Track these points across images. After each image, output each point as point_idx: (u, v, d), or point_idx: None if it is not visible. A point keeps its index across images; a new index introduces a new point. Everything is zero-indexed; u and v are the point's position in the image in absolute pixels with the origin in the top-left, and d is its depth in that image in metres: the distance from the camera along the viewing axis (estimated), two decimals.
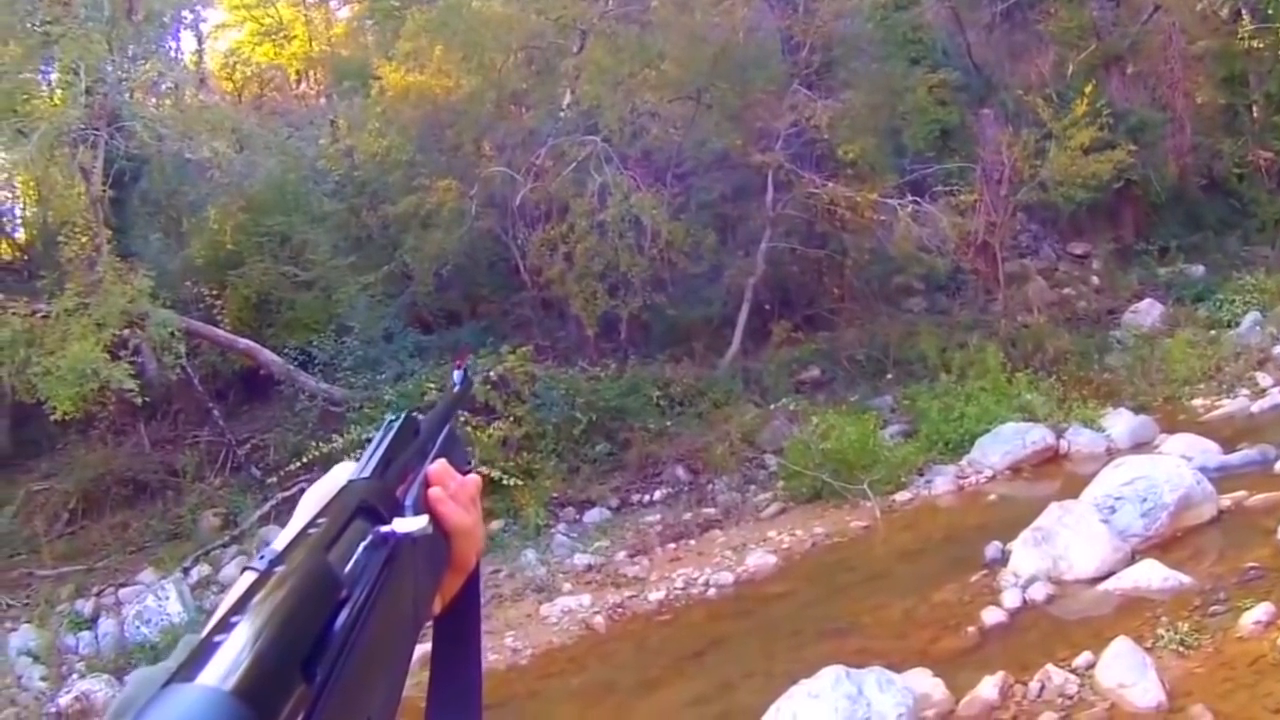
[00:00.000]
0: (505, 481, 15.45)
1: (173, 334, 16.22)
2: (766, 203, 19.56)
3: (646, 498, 16.22)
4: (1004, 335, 19.02)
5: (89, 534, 16.64)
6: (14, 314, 15.15)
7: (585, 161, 18.38)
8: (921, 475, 15.51)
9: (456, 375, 1.65)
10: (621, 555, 14.40)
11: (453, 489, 1.19)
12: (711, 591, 12.97)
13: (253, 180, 19.78)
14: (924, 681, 8.37)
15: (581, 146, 18.56)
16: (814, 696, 7.89)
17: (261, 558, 0.88)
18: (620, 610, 12.82)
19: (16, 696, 12.35)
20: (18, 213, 23.75)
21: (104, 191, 16.83)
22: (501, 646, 12.21)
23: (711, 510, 15.53)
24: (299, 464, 15.65)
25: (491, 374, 16.53)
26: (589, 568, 14.14)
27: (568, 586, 13.61)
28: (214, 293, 18.59)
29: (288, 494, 15.88)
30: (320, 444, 15.57)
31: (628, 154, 18.91)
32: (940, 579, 11.29)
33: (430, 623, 1.22)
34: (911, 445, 16.20)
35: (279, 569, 0.82)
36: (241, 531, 15.67)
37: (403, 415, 1.23)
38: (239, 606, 0.76)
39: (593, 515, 15.85)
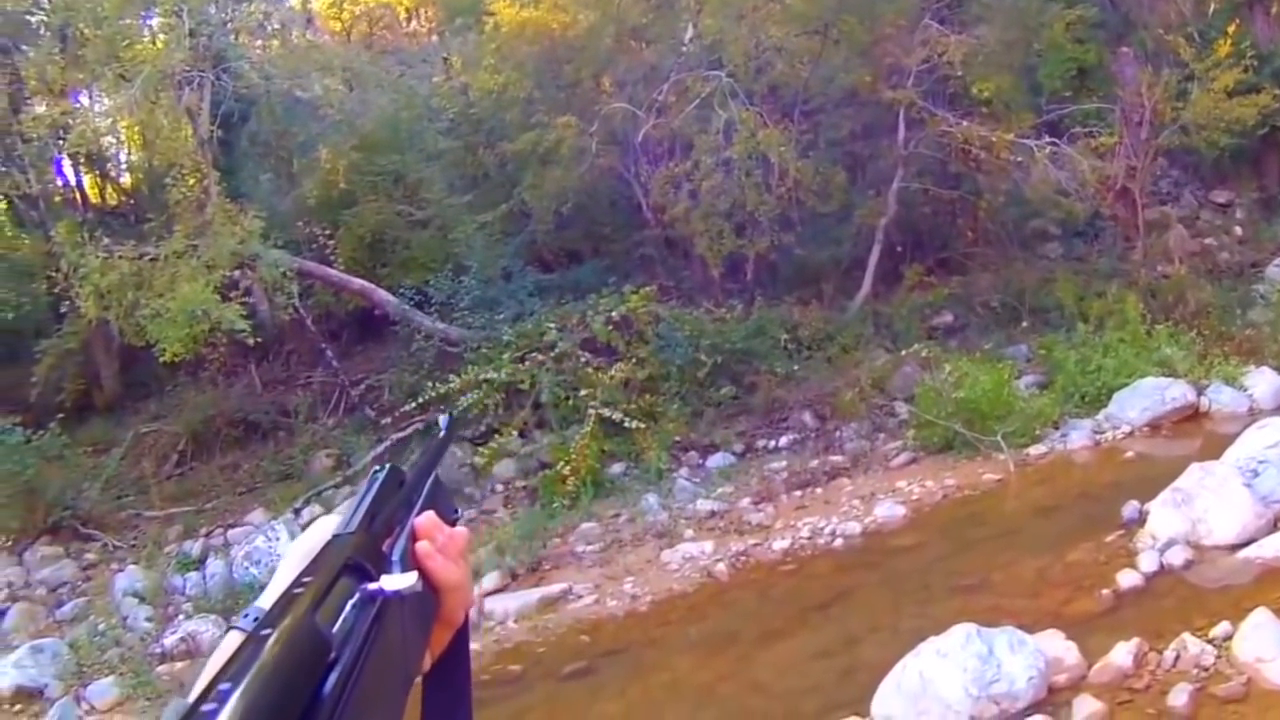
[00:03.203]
0: (627, 424, 15.40)
1: (285, 275, 16.43)
2: (898, 141, 19.13)
3: (772, 443, 16.04)
4: (1143, 285, 18.54)
5: (198, 475, 17.01)
6: (121, 257, 15.29)
7: (709, 97, 18.10)
8: (1057, 429, 15.09)
9: (442, 420, 1.65)
10: (745, 502, 14.22)
11: (441, 542, 1.16)
12: (838, 542, 12.76)
13: (365, 119, 19.67)
14: (1056, 644, 8.17)
15: (705, 82, 18.28)
16: (943, 655, 7.80)
17: (247, 616, 0.96)
18: (743, 558, 12.66)
19: (122, 637, 12.53)
20: (123, 158, 24.06)
21: (212, 133, 17.12)
22: (620, 592, 12.20)
23: (839, 458, 15.28)
24: (414, 405, 15.88)
25: (614, 314, 16.54)
26: (712, 514, 13.96)
27: (689, 533, 13.48)
28: (327, 233, 18.73)
29: (402, 435, 16.01)
30: (437, 384, 15.70)
31: (753, 90, 18.55)
32: (1075, 538, 11.00)
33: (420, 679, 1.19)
34: (1047, 397, 15.77)
35: (266, 631, 0.81)
36: (355, 472, 15.77)
37: (387, 467, 1.23)
38: (228, 673, 0.75)
39: (716, 460, 15.69)
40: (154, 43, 17.31)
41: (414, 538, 1.14)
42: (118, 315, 15.46)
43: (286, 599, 0.87)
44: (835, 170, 19.17)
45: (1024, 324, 18.62)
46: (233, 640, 0.95)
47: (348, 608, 0.90)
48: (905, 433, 15.57)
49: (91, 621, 12.82)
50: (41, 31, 17.75)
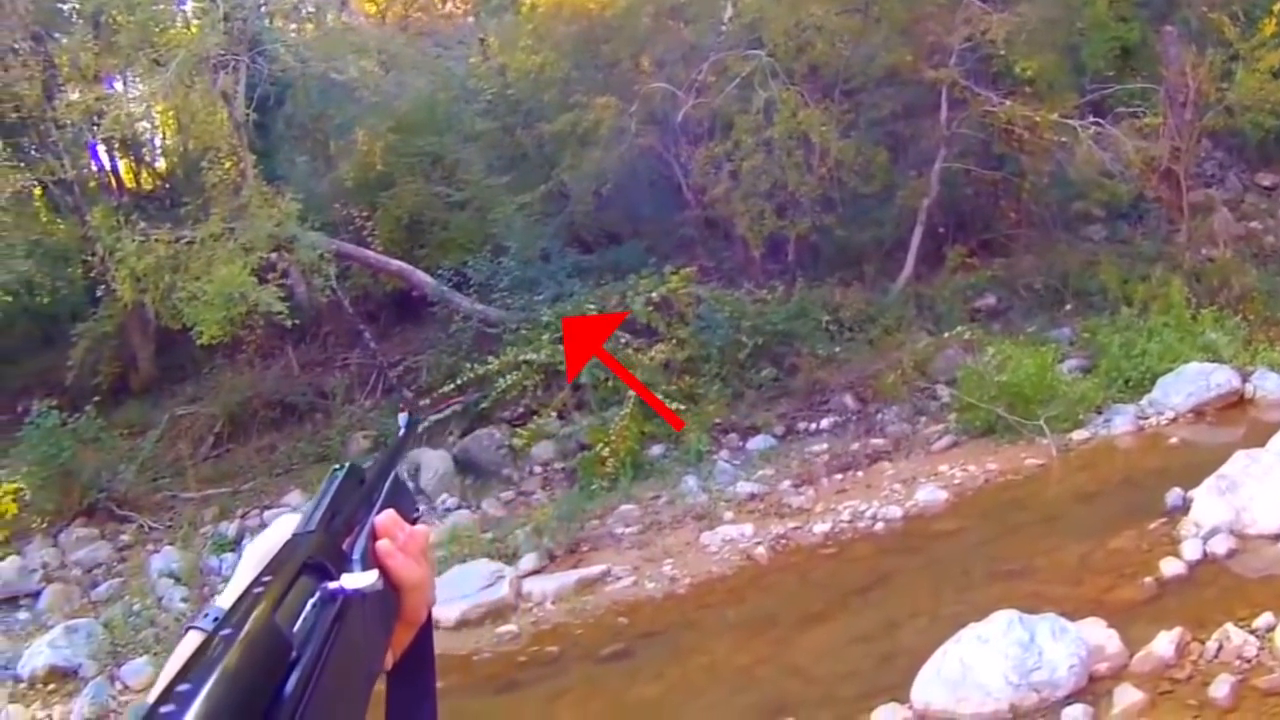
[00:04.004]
0: (667, 405, 15.27)
1: (322, 256, 16.60)
2: (940, 121, 18.96)
3: (813, 426, 15.98)
4: (1188, 269, 18.28)
5: (234, 457, 17.13)
6: (158, 240, 15.45)
7: (749, 77, 17.98)
8: (1100, 414, 14.92)
9: (402, 419, 1.67)
10: (786, 485, 14.20)
11: (402, 541, 1.16)
12: (879, 525, 12.72)
13: (401, 100, 19.72)
14: (1098, 632, 8.09)
15: (745, 61, 18.16)
16: (983, 641, 7.77)
17: (206, 616, 0.96)
18: (783, 541, 12.66)
19: (156, 617, 12.65)
20: (158, 142, 24.31)
21: (247, 116, 17.14)
22: (659, 574, 12.21)
23: (880, 441, 15.24)
24: (453, 386, 16.00)
25: (653, 295, 16.49)
26: (752, 496, 13.95)
27: (729, 515, 13.47)
28: (364, 214, 18.85)
29: (440, 416, 15.93)
30: (475, 366, 15.75)
31: (793, 69, 18.44)
32: (1118, 524, 10.90)
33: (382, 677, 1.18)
34: (1090, 381, 15.60)
35: (225, 631, 0.80)
36: None
37: (347, 465, 1.23)
38: (186, 674, 0.74)
39: (757, 442, 15.64)
40: (188, 27, 17.42)
41: (374, 536, 1.14)
42: (154, 298, 15.63)
43: (246, 599, 0.87)
44: (877, 150, 19.04)
45: (1067, 307, 18.43)
46: (191, 640, 0.96)
47: (308, 607, 0.90)
48: (947, 416, 15.45)
49: (126, 602, 12.95)
50: (74, 19, 17.89)
